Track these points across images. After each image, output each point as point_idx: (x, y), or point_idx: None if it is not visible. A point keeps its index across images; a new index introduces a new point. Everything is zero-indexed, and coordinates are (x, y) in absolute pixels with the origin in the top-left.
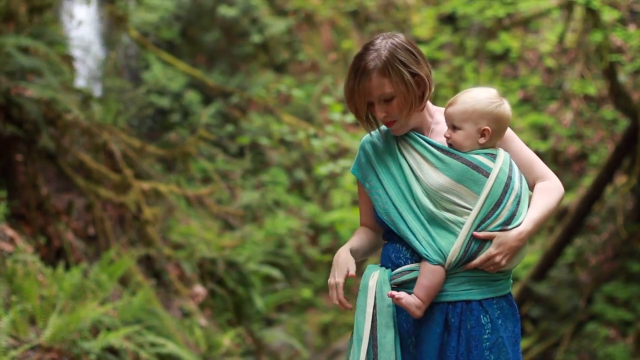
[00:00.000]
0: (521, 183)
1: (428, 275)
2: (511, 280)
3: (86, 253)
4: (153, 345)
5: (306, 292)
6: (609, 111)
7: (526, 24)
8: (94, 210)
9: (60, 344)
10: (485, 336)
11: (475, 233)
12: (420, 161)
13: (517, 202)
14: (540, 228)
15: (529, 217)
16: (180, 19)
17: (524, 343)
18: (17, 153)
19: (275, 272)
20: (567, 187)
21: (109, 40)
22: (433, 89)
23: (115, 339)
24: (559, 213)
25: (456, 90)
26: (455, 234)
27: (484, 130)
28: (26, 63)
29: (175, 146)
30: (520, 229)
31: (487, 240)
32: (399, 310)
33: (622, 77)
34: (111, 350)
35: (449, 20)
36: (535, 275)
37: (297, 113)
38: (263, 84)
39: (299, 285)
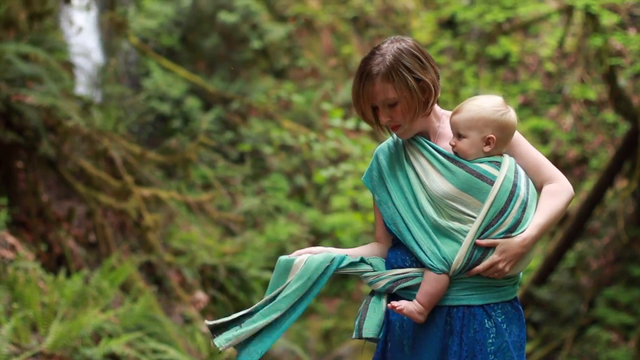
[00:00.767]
0: (528, 189)
1: (432, 282)
2: (518, 286)
3: (87, 260)
4: (155, 351)
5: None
6: (609, 115)
7: (526, 28)
8: (94, 217)
9: (62, 351)
10: (490, 340)
11: (478, 241)
12: (426, 167)
13: (523, 209)
14: (547, 232)
15: (534, 222)
16: (180, 25)
17: (526, 347)
18: (18, 160)
19: None
20: None
21: (109, 46)
22: (439, 95)
23: (116, 345)
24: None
25: (456, 94)
26: (459, 242)
27: (489, 138)
28: (26, 70)
29: (176, 152)
30: (524, 235)
31: (491, 248)
32: (396, 320)
33: (622, 81)
34: (113, 357)
35: (449, 24)
36: (537, 279)
37: (297, 119)
38: (263, 89)
39: None
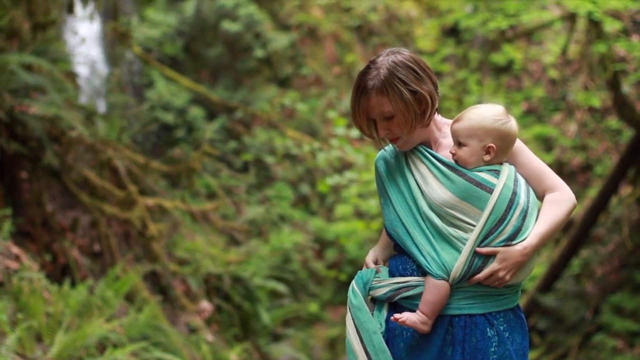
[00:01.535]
0: (528, 197)
1: (432, 290)
2: (519, 293)
3: (92, 270)
4: None
5: (313, 307)
6: (613, 122)
7: (529, 35)
8: (99, 227)
9: None
10: (492, 349)
11: (478, 249)
12: (426, 175)
13: (523, 217)
14: (549, 241)
15: (535, 231)
16: (184, 34)
17: (531, 355)
18: (22, 170)
19: (281, 287)
20: None
21: (112, 56)
22: (437, 105)
23: (121, 355)
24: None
25: (460, 102)
26: (459, 250)
27: (489, 147)
28: (30, 80)
29: (180, 162)
30: (524, 243)
31: (491, 256)
32: (396, 327)
33: (626, 87)
34: None
35: (452, 32)
36: (542, 287)
37: (301, 127)
38: (267, 98)
39: (306, 299)
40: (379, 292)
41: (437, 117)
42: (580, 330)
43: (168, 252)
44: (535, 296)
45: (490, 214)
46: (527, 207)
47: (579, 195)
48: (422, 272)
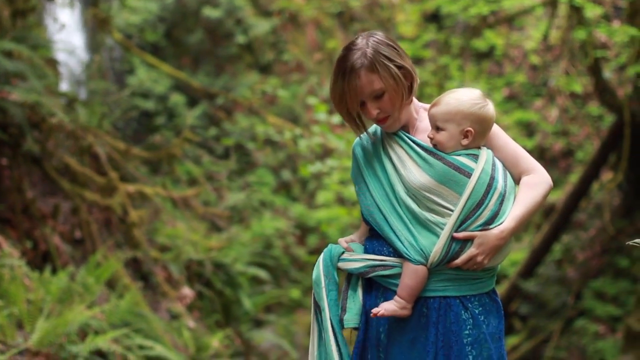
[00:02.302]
0: (505, 181)
1: (411, 275)
2: (495, 278)
3: (73, 256)
4: (141, 347)
5: (295, 293)
6: (594, 107)
7: (510, 21)
8: (80, 214)
9: (48, 347)
10: (466, 332)
11: (456, 234)
12: (404, 158)
13: (501, 202)
14: (526, 224)
15: (512, 214)
16: (165, 20)
17: (513, 340)
18: (2, 157)
19: (262, 273)
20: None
21: (93, 43)
22: (418, 80)
23: (103, 342)
24: (546, 210)
25: (441, 88)
26: (437, 235)
27: (467, 131)
28: (10, 67)
29: (161, 148)
30: (501, 227)
31: (469, 240)
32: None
33: (607, 73)
34: (99, 353)
35: (434, 18)
36: (524, 272)
37: (282, 113)
38: (248, 84)
39: (288, 285)
40: (352, 265)
41: (415, 101)
42: (561, 316)
43: (149, 239)
44: (517, 282)
45: (469, 198)
46: (505, 191)
47: (560, 181)
48: (399, 255)
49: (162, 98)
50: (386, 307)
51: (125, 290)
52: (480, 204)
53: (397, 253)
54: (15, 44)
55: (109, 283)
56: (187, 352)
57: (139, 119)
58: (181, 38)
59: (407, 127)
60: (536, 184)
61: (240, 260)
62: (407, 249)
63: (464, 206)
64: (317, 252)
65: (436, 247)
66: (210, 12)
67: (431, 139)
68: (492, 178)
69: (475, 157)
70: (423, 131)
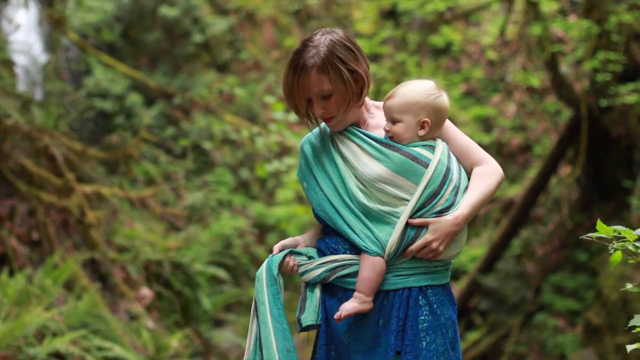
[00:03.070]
0: (460, 174)
1: (368, 267)
2: (450, 272)
3: (30, 258)
4: (100, 349)
5: (254, 292)
6: (551, 102)
7: (467, 17)
8: (37, 215)
9: (6, 350)
10: (422, 317)
11: (410, 220)
12: (357, 152)
13: (455, 193)
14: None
15: (465, 201)
16: (121, 20)
17: (473, 336)
18: None
19: (221, 273)
20: (512, 179)
21: (49, 44)
22: (371, 85)
23: (61, 344)
24: (504, 205)
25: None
26: (392, 225)
27: (424, 122)
28: None
29: (118, 149)
30: (456, 213)
31: (424, 227)
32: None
33: (564, 67)
34: (57, 355)
35: (391, 15)
36: (483, 268)
37: (240, 112)
38: (206, 83)
39: (247, 284)
40: (313, 275)
41: (366, 99)
42: (521, 310)
43: (107, 240)
44: (476, 277)
45: (426, 187)
46: (459, 183)
47: (518, 176)
48: (355, 250)
49: (120, 98)
50: (347, 308)
51: (83, 292)
52: (436, 193)
53: (353, 249)
54: None
55: (67, 284)
56: (146, 352)
57: (96, 119)
58: (138, 37)
59: (358, 124)
60: (488, 173)
61: (199, 259)
62: (363, 240)
63: (421, 195)
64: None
65: (393, 237)
66: (167, 11)
67: (387, 131)
68: (448, 169)
69: (431, 148)
70: (375, 127)
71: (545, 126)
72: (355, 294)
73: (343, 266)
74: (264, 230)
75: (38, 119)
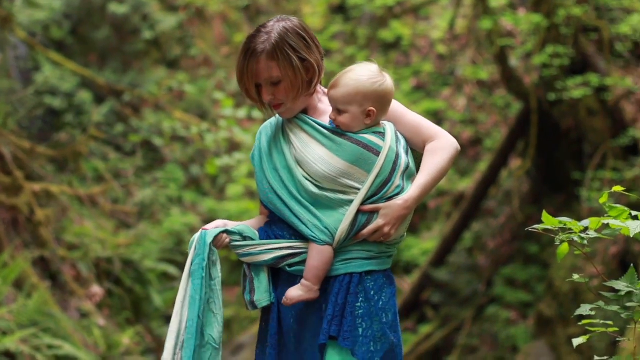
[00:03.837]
0: (408, 157)
1: (316, 257)
2: (392, 258)
3: None
4: (50, 347)
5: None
6: (501, 95)
7: (416, 11)
8: None
9: None
10: (358, 304)
11: (361, 207)
12: (308, 142)
13: (404, 177)
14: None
15: (416, 182)
16: (70, 17)
17: (425, 329)
18: None
19: (172, 269)
20: (463, 172)
21: None
22: (323, 75)
23: (11, 342)
24: (455, 198)
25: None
26: (341, 212)
27: (369, 111)
28: None
29: (66, 146)
30: (405, 197)
31: (375, 213)
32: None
33: (513, 61)
34: (7, 354)
35: (340, 9)
36: (435, 261)
37: (190, 109)
38: (156, 80)
39: None
40: (262, 258)
41: (319, 86)
42: (473, 303)
43: (57, 237)
44: (428, 270)
45: (377, 176)
46: (408, 166)
47: (469, 169)
48: (302, 237)
49: (69, 96)
50: (292, 295)
51: (33, 290)
52: (387, 181)
53: (298, 236)
54: None
55: (17, 283)
56: (97, 350)
57: (45, 117)
58: (87, 35)
59: (306, 110)
60: (440, 149)
61: (150, 256)
62: (311, 230)
63: (372, 184)
64: (227, 247)
65: (342, 225)
66: (116, 8)
67: (333, 120)
68: (397, 155)
69: (381, 135)
70: (323, 113)
71: (495, 119)
72: (302, 281)
73: (294, 254)
74: None
75: None
